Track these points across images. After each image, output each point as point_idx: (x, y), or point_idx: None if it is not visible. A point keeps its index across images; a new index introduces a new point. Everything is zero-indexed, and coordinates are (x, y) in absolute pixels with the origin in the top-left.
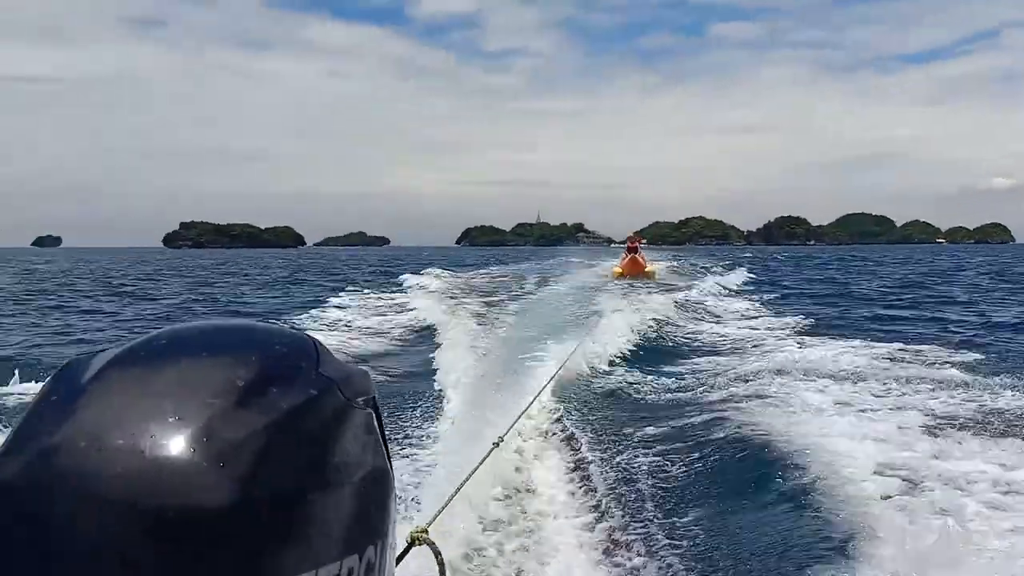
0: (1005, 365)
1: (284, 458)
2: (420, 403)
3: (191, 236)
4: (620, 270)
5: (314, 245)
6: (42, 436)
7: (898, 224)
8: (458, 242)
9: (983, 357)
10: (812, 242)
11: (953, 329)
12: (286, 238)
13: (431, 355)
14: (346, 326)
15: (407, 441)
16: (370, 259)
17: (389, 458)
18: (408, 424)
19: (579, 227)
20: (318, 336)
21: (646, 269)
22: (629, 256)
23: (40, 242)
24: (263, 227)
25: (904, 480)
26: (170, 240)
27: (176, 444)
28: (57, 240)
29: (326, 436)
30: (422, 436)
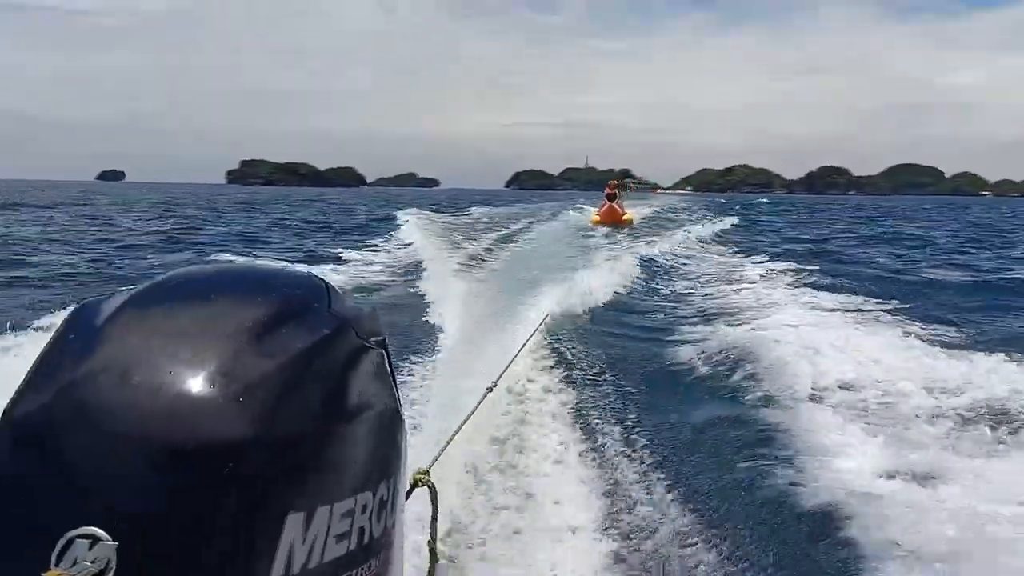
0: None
1: (300, 395)
2: (414, 343)
3: (262, 173)
4: (598, 218)
5: (366, 185)
6: (61, 373)
7: (948, 176)
8: (507, 185)
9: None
10: (852, 192)
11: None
12: (348, 177)
13: (423, 292)
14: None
15: (402, 382)
16: (430, 198)
17: (399, 398)
18: (404, 364)
19: (626, 172)
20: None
21: (623, 217)
22: (607, 204)
23: (104, 176)
24: (323, 168)
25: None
26: (234, 177)
27: (194, 381)
28: (120, 175)
29: (341, 374)
30: (416, 377)
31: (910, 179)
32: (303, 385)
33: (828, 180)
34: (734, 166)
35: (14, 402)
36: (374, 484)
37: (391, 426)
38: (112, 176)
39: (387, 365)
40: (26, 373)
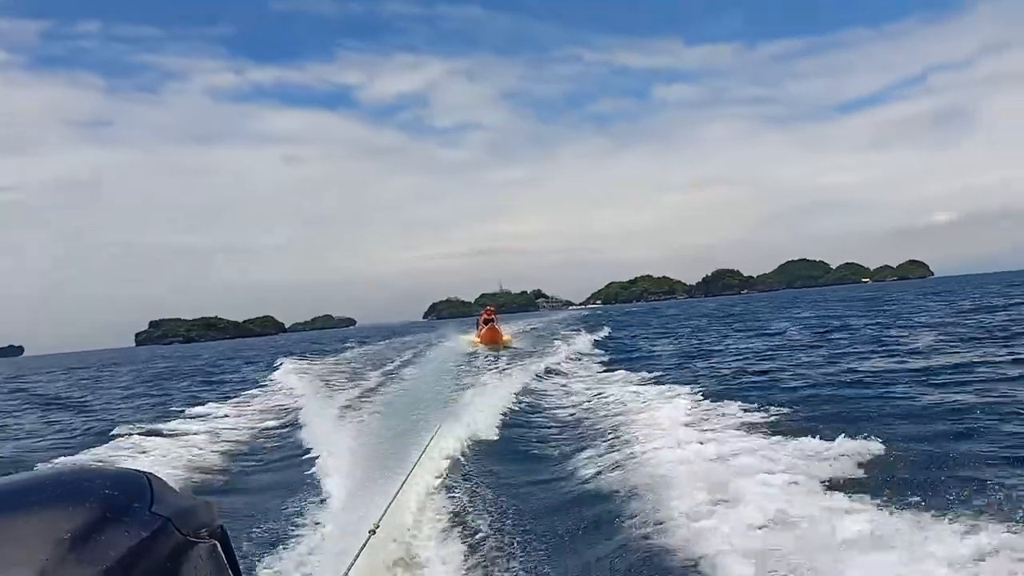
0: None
1: None
2: (301, 493)
3: (180, 331)
4: (478, 340)
5: (284, 331)
6: None
7: (834, 267)
8: (425, 316)
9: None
10: (745, 291)
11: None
12: (268, 326)
13: (305, 441)
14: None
15: (287, 537)
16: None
17: None
18: (287, 520)
19: (538, 293)
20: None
21: (504, 339)
22: (486, 327)
23: (2, 352)
24: (241, 319)
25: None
26: (143, 339)
27: None
28: (19, 349)
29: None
30: (304, 528)
31: (800, 273)
32: None
33: (724, 282)
34: (637, 278)
35: None
36: None
37: None
38: (11, 352)
39: (222, 555)
40: None
